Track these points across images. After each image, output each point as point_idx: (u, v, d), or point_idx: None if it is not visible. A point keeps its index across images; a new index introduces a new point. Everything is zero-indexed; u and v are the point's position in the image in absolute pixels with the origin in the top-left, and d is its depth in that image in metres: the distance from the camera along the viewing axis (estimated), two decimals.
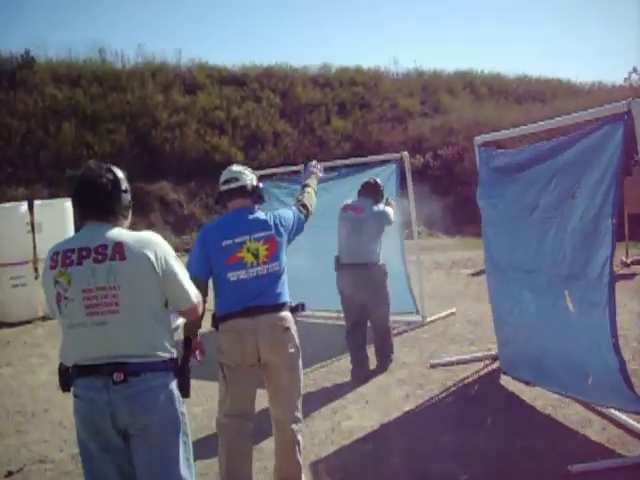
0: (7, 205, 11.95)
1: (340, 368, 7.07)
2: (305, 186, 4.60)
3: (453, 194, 21.40)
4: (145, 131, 23.07)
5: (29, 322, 10.87)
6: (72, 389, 2.99)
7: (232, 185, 4.09)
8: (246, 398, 4.05)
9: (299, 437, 4.10)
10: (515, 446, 4.70)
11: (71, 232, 11.37)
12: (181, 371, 3.06)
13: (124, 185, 3.12)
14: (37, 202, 11.69)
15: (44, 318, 11.09)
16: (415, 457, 4.70)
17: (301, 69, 28.95)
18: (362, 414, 5.67)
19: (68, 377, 2.97)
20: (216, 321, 4.02)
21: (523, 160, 5.50)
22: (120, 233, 2.99)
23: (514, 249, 5.61)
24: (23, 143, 21.23)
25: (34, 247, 11.46)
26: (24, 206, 11.37)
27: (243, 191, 4.09)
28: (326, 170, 8.93)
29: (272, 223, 4.05)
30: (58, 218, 11.37)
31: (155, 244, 3.01)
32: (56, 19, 46.15)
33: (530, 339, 5.51)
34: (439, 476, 4.39)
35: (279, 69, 28.39)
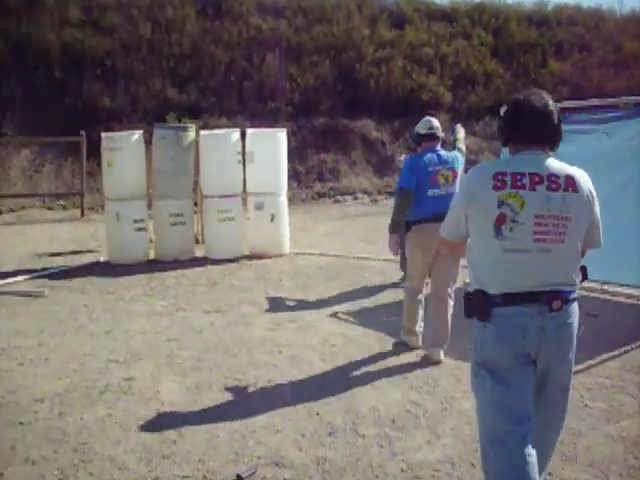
0: (218, 132, 10.97)
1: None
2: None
3: None
4: (349, 65, 22.02)
5: (235, 261, 9.91)
6: (491, 317, 2.84)
7: (436, 132, 5.68)
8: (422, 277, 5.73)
9: (451, 302, 5.52)
10: None
11: (284, 165, 10.36)
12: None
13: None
14: (250, 130, 10.59)
15: (250, 257, 10.13)
16: None
17: (515, 5, 26.95)
18: None
19: (489, 305, 2.83)
20: (409, 224, 5.54)
21: None
22: (565, 165, 2.91)
23: None
24: (227, 73, 20.96)
25: (244, 179, 10.45)
26: (236, 134, 10.30)
27: (437, 137, 5.69)
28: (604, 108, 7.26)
29: (451, 160, 5.61)
30: (271, 149, 10.23)
31: (590, 184, 2.92)
32: None
33: None
34: None
35: (491, 5, 26.23)
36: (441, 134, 5.72)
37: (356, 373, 5.24)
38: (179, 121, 16.66)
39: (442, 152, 5.63)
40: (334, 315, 6.90)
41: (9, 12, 20.83)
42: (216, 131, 11.14)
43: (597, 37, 25.34)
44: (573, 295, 2.87)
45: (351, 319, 6.77)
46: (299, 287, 8.23)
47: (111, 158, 9.98)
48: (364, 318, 6.73)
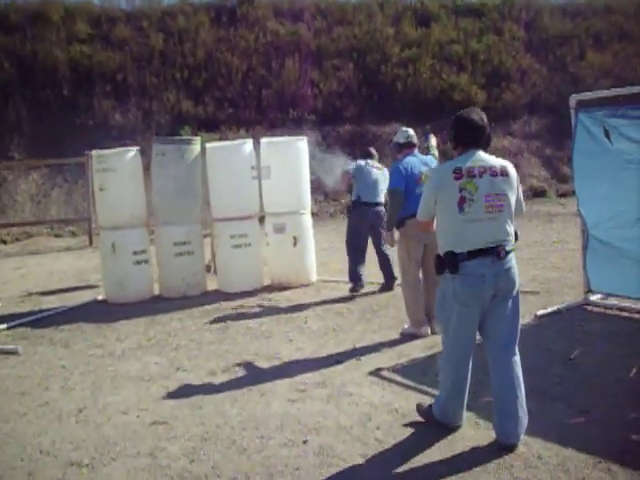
0: (227, 143, 9.54)
1: None
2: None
3: None
4: (374, 68, 20.90)
5: (253, 294, 8.44)
6: (460, 270, 3.92)
7: (412, 140, 6.52)
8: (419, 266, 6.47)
9: None
10: None
11: (306, 179, 8.92)
12: None
13: None
14: (265, 140, 9.07)
15: (270, 289, 8.65)
16: None
17: None
18: None
19: (457, 261, 3.91)
20: (403, 219, 6.22)
21: None
22: (496, 159, 4.07)
23: None
24: (244, 82, 19.85)
25: (260, 197, 8.95)
26: (249, 145, 8.81)
27: (414, 144, 6.53)
28: None
29: (429, 162, 6.52)
30: (290, 161, 8.72)
31: (514, 169, 4.09)
32: None
33: None
34: None
35: None
36: (416, 141, 6.57)
37: (414, 478, 3.66)
38: (195, 135, 15.26)
39: (420, 156, 6.53)
40: (376, 373, 5.27)
41: (13, 29, 19.84)
42: (225, 143, 9.68)
43: (638, 25, 23.76)
44: (510, 247, 3.99)
45: (399, 379, 5.12)
46: (329, 329, 6.66)
47: (103, 180, 8.54)
48: (417, 377, 5.07)
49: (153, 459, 4.00)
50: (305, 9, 22.35)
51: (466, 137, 4.05)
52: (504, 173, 3.96)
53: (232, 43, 20.55)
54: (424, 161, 6.45)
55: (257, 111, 19.08)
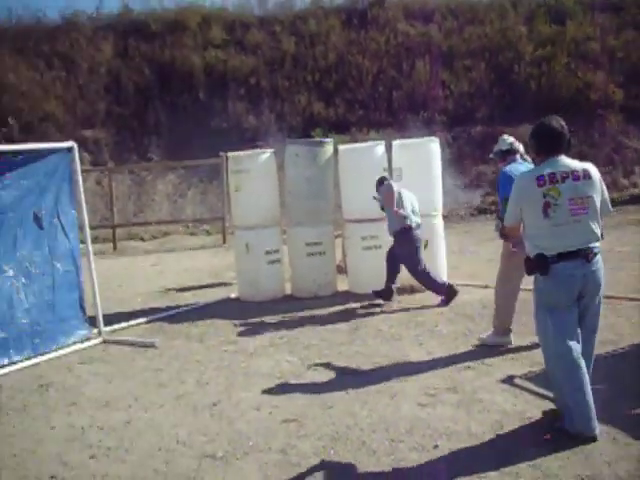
0: (359, 145, 9.55)
1: None
2: None
3: None
4: (507, 67, 20.31)
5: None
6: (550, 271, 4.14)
7: (514, 147, 6.32)
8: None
9: None
10: None
11: (438, 181, 8.81)
12: None
13: None
14: (397, 142, 9.03)
15: (400, 291, 8.57)
16: None
17: None
18: None
19: (548, 263, 4.14)
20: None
21: None
22: (579, 162, 4.25)
23: None
24: (375, 84, 19.91)
25: None
26: (381, 147, 8.80)
27: (516, 151, 6.31)
28: None
29: None
30: (422, 163, 8.64)
31: (596, 171, 4.27)
32: None
33: None
34: None
35: None
36: (517, 147, 6.39)
37: None
38: (326, 137, 15.43)
39: (524, 163, 6.29)
40: (509, 380, 5.17)
41: (153, 37, 20.83)
42: (357, 145, 9.72)
43: None
44: (598, 249, 4.21)
45: (533, 387, 4.98)
46: (460, 334, 6.57)
47: (238, 181, 8.80)
48: (550, 387, 4.93)
49: (284, 455, 4.09)
50: (436, 9, 22.13)
51: (547, 145, 4.27)
52: (587, 176, 4.16)
53: (363, 45, 20.63)
54: (528, 168, 6.24)
55: (387, 113, 19.06)
